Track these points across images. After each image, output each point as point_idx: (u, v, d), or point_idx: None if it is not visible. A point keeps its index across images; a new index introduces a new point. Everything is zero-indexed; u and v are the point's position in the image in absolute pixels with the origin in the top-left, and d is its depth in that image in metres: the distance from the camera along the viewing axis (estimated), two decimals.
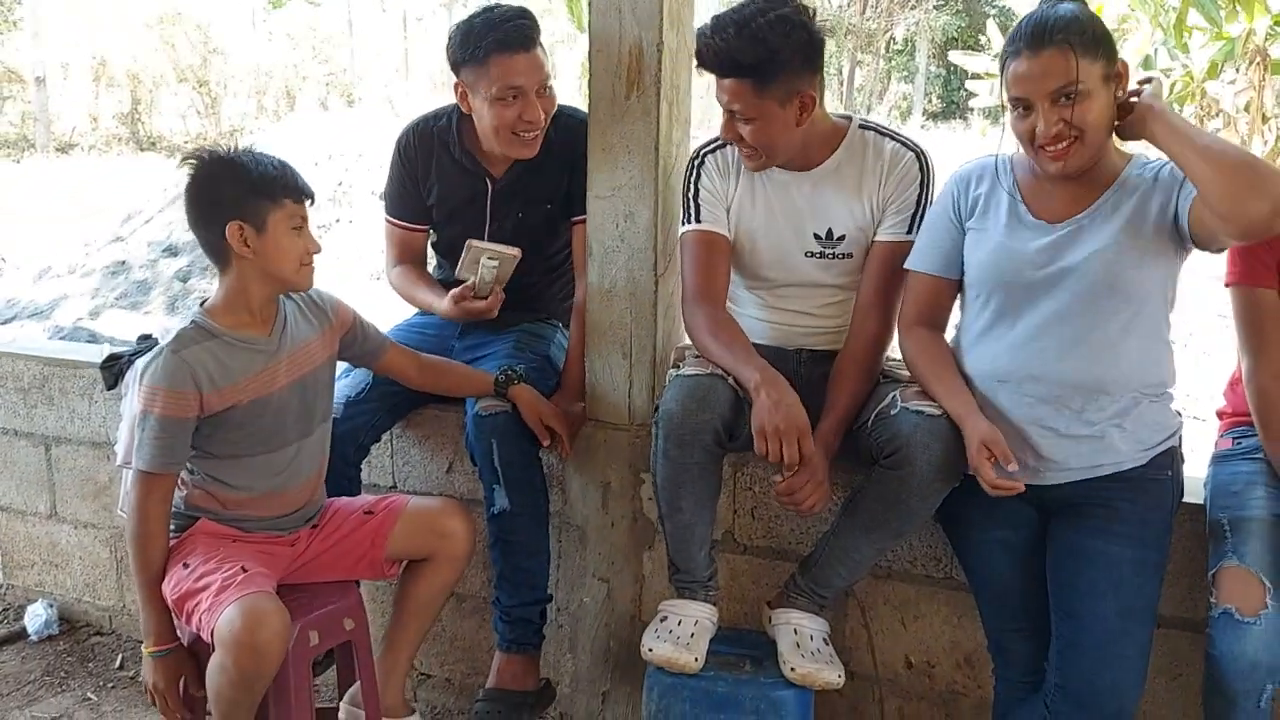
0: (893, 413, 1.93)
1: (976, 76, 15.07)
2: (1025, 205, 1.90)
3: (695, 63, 2.11)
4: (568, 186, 2.41)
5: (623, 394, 2.37)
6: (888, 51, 29.21)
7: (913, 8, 28.15)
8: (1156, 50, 11.60)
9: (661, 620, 2.12)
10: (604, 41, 2.24)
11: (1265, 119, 12.48)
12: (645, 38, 2.21)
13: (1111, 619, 1.79)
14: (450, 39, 2.34)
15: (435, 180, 2.52)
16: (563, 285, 2.58)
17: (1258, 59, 12.34)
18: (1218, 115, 12.90)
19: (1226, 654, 1.71)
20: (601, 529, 2.44)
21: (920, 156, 2.13)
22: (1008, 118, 1.87)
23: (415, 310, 2.67)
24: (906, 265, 2.05)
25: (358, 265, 7.84)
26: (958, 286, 2.01)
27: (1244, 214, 1.63)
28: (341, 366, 2.31)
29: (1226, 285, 1.91)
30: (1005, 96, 1.83)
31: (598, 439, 2.40)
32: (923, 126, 21.23)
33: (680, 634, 2.07)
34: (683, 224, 2.21)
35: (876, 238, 2.14)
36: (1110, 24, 11.48)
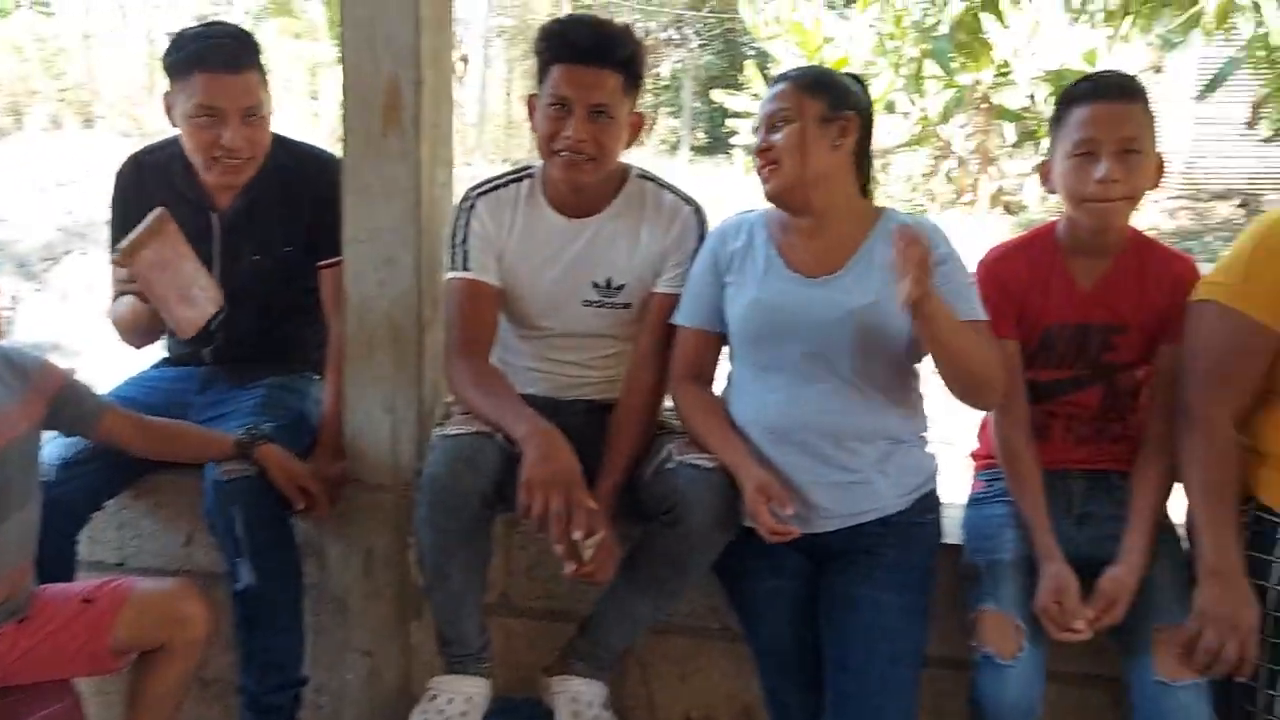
0: (668, 467, 1.89)
1: (737, 114, 15.74)
2: (782, 259, 1.92)
3: (551, 53, 1.98)
4: (310, 228, 2.23)
5: (386, 451, 2.21)
6: (655, 88, 30.15)
7: (677, 46, 29.20)
8: (898, 95, 12.59)
9: (431, 699, 1.97)
10: (357, 77, 2.09)
11: (992, 160, 13.73)
12: (403, 75, 2.08)
13: (882, 665, 1.81)
14: (166, 48, 2.15)
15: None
16: (317, 333, 2.37)
17: (984, 105, 13.59)
18: (951, 156, 14.10)
19: (988, 696, 1.77)
20: (364, 599, 2.26)
21: (698, 211, 2.12)
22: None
23: (152, 363, 2.40)
24: (673, 320, 2.02)
25: (89, 300, 7.15)
26: (723, 339, 2.00)
27: (965, 401, 1.86)
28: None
29: None
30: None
31: (359, 501, 2.22)
32: (690, 160, 21.97)
33: (450, 713, 1.94)
34: (449, 270, 2.08)
35: (655, 289, 2.09)
36: (856, 69, 12.28)
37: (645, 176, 2.13)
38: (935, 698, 2.09)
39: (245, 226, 2.25)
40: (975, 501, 2.04)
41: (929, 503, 1.94)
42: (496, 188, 2.10)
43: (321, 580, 2.27)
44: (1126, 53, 13.54)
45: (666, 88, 30.31)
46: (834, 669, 1.86)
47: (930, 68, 6.56)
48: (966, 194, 13.49)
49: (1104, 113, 1.85)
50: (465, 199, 2.10)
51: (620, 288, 2.09)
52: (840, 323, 1.84)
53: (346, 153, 2.13)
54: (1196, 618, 1.71)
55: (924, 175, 14.12)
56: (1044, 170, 1.97)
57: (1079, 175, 1.86)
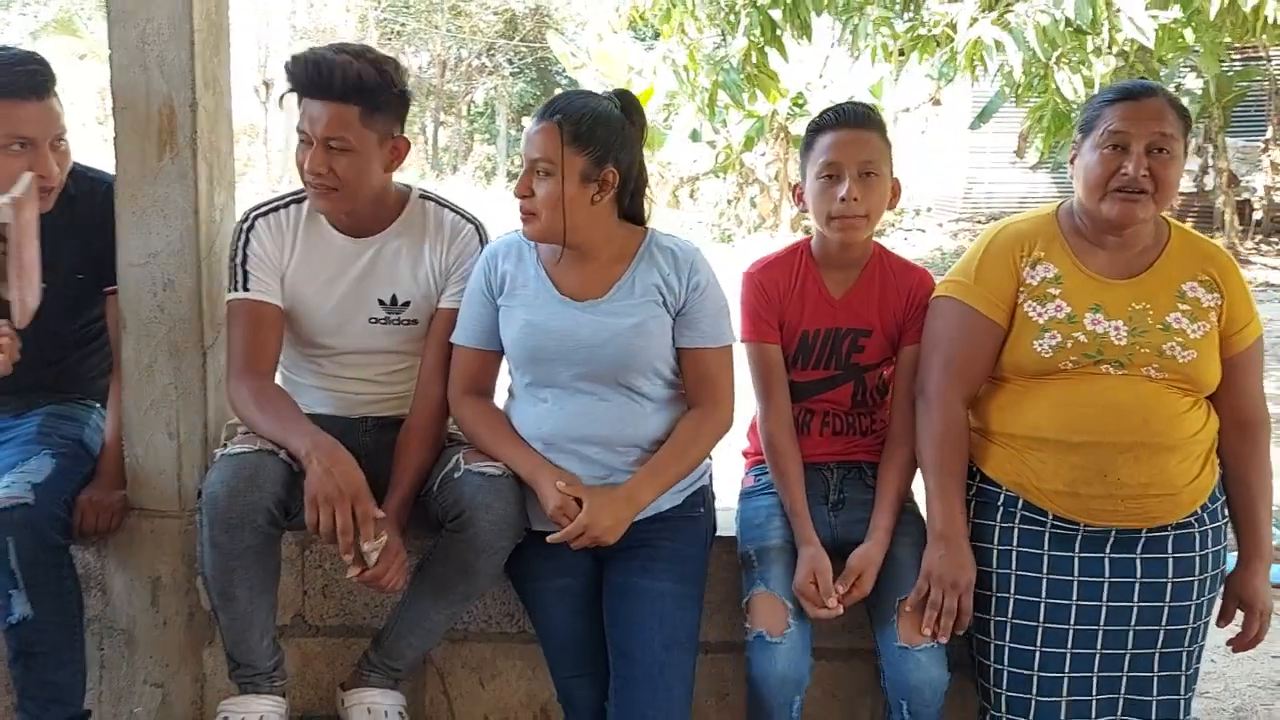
0: (456, 475, 1.96)
1: None
2: (552, 283, 2.02)
3: (289, 85, 2.00)
4: (97, 253, 2.18)
5: (171, 478, 2.18)
6: (469, 114, 30.03)
7: (490, 73, 29.22)
8: (702, 124, 13.07)
9: None
10: (130, 99, 2.08)
11: (792, 187, 14.43)
12: (177, 97, 2.08)
13: (658, 651, 1.93)
14: None
15: None
16: (98, 361, 2.31)
17: (781, 134, 14.28)
18: (754, 183, 14.74)
19: (760, 673, 1.92)
20: (152, 629, 2.22)
21: (479, 229, 2.20)
22: None
23: None
24: (451, 339, 2.09)
25: None
26: (500, 355, 2.09)
27: None
28: None
29: (741, 341, 2.16)
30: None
31: (143, 529, 2.19)
32: (507, 186, 22.03)
33: None
34: (229, 291, 2.09)
35: (440, 305, 2.15)
36: (661, 101, 12.66)
37: (426, 196, 2.20)
38: (718, 681, 2.24)
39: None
40: (746, 495, 2.20)
41: (699, 498, 2.09)
42: (276, 208, 2.12)
43: (105, 612, 2.21)
44: (908, 86, 14.58)
45: (480, 114, 30.30)
46: (615, 655, 1.97)
47: (723, 99, 6.84)
48: (769, 219, 14.15)
49: (846, 139, 2.06)
50: (244, 219, 2.11)
51: (406, 304, 2.14)
52: (607, 343, 1.97)
53: (121, 176, 2.10)
54: (924, 576, 1.93)
55: (729, 201, 14.73)
56: (797, 191, 2.16)
57: (825, 195, 2.06)
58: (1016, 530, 1.94)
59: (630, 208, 2.07)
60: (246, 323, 2.06)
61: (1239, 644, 2.03)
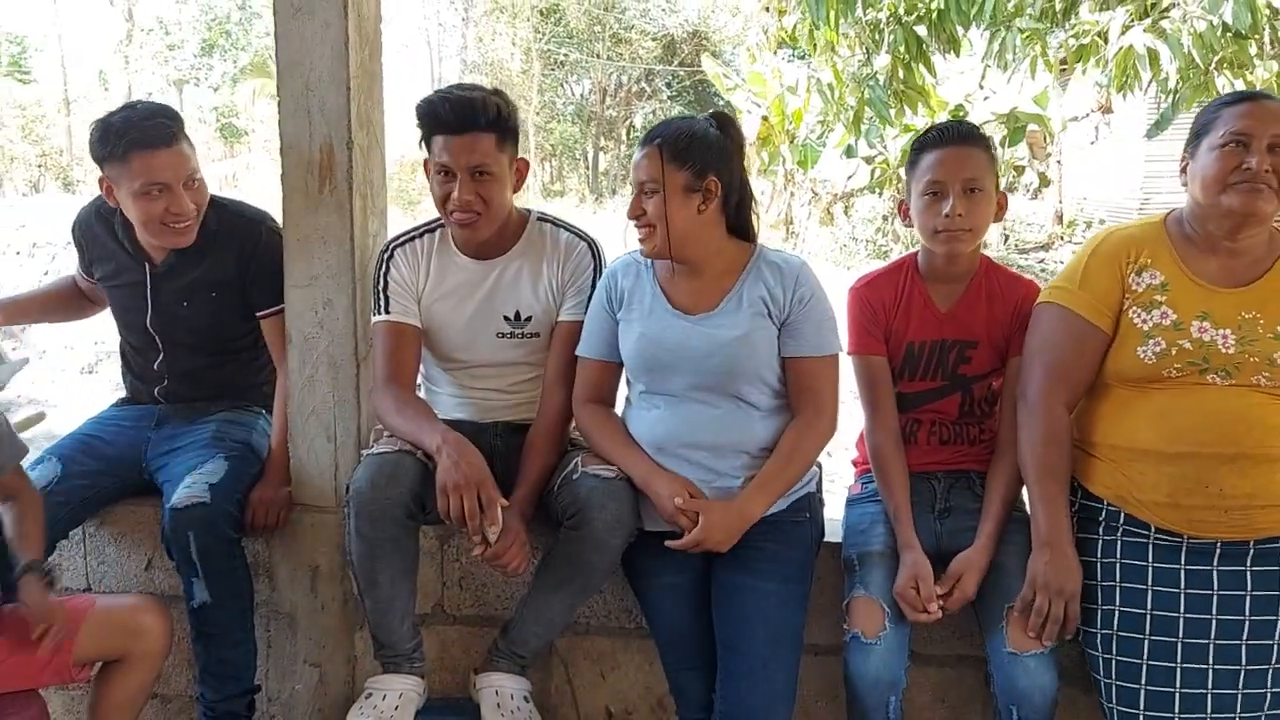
0: (574, 478, 2.11)
1: None
2: (665, 297, 2.16)
3: (432, 126, 2.18)
4: (237, 278, 2.46)
5: (329, 477, 2.43)
6: (629, 138, 30.65)
7: (649, 98, 29.76)
8: (858, 140, 12.98)
9: (366, 697, 2.17)
10: (294, 140, 2.34)
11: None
12: (335, 136, 2.33)
13: (762, 646, 2.03)
14: (91, 135, 2.36)
15: (99, 260, 2.55)
16: (258, 371, 2.60)
17: None
18: None
19: (856, 673, 1.99)
20: (311, 613, 2.46)
21: (592, 246, 2.36)
22: None
23: (113, 402, 2.64)
24: (576, 351, 2.25)
25: (68, 357, 7.34)
26: (620, 366, 2.23)
27: None
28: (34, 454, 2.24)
29: (848, 354, 2.24)
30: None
31: (305, 523, 2.44)
32: None
33: (384, 709, 2.13)
34: (374, 314, 2.32)
35: (559, 318, 2.33)
36: (815, 117, 12.63)
37: (544, 219, 2.38)
38: (827, 682, 2.31)
39: (175, 276, 2.47)
40: (852, 502, 2.27)
41: (805, 503, 2.17)
42: (412, 238, 2.35)
43: (272, 597, 2.48)
44: (1076, 93, 14.03)
45: (639, 139, 30.82)
46: (722, 650, 2.07)
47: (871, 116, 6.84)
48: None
49: (949, 157, 2.12)
50: (385, 250, 2.34)
51: (528, 319, 2.33)
52: (714, 354, 2.09)
53: (287, 208, 2.37)
54: (1030, 584, 1.95)
55: (884, 218, 14.53)
56: (902, 209, 2.22)
57: (929, 212, 2.12)
58: (1120, 543, 1.93)
59: (738, 222, 2.18)
60: (388, 341, 2.28)
61: None
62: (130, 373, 2.61)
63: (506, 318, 2.33)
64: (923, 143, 2.17)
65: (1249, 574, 1.86)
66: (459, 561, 2.44)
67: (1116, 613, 1.93)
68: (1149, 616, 1.90)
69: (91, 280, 2.61)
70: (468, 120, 2.17)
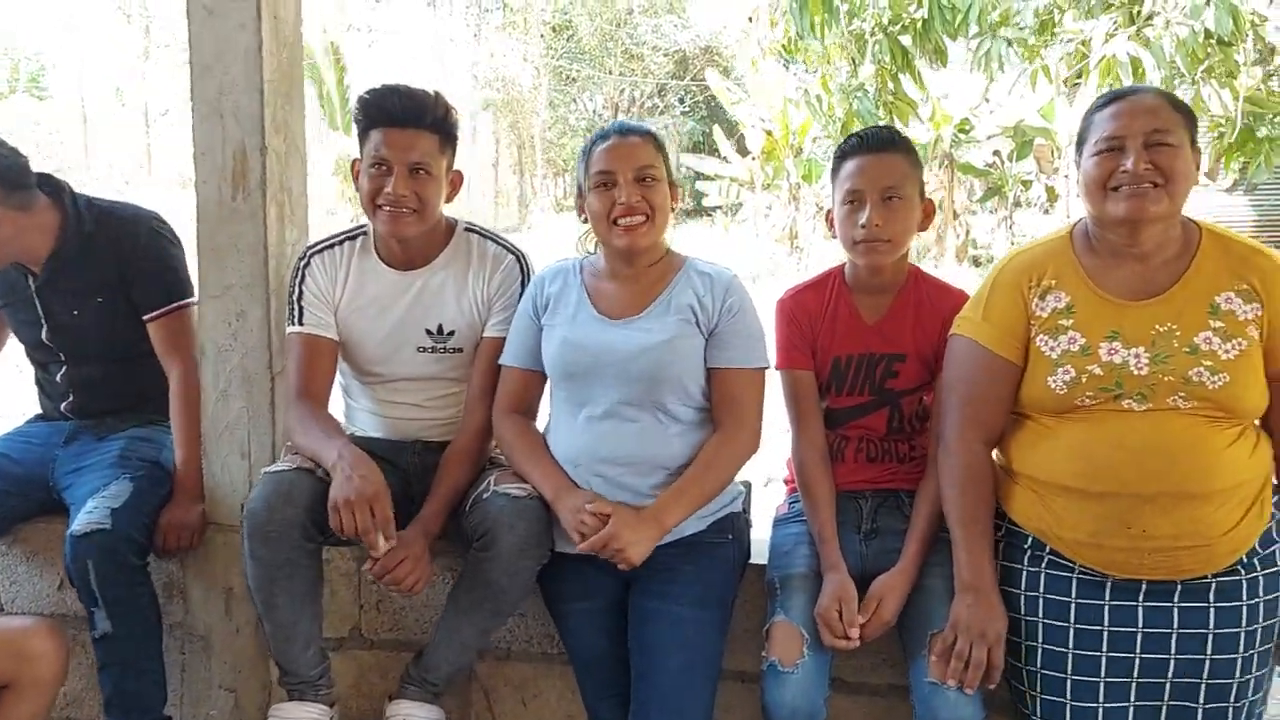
0: (485, 496, 2.03)
1: (705, 177, 16.06)
2: (590, 303, 2.08)
3: (372, 118, 2.12)
4: (119, 281, 2.37)
5: (243, 495, 2.33)
6: None
7: (662, 113, 29.78)
8: None
9: None
10: (208, 145, 2.28)
11: (955, 215, 13.99)
12: (249, 142, 2.27)
13: (675, 674, 1.93)
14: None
15: None
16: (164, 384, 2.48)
17: (946, 162, 13.89)
18: None
19: (772, 703, 1.88)
20: (226, 636, 2.38)
21: (520, 259, 2.28)
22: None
23: (28, 418, 2.56)
24: (500, 360, 2.16)
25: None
26: (544, 377, 2.14)
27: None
28: None
29: (776, 369, 2.14)
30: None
31: (218, 543, 2.36)
32: (674, 224, 22.35)
33: None
34: (288, 325, 2.24)
35: (484, 334, 2.24)
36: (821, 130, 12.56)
37: (471, 229, 2.30)
38: (752, 709, 2.18)
39: (56, 287, 2.39)
40: (778, 522, 2.17)
41: (726, 524, 2.07)
42: (331, 246, 2.27)
43: (186, 619, 2.40)
44: (1083, 108, 13.88)
45: None
46: (636, 679, 1.97)
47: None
48: (933, 249, 13.76)
49: (868, 165, 2.02)
50: (301, 257, 2.26)
51: (451, 334, 2.24)
52: (637, 357, 1.99)
53: (200, 215, 2.30)
54: (951, 626, 1.83)
55: None
56: (828, 218, 2.13)
57: (849, 222, 2.03)
58: (1043, 575, 1.82)
59: None
60: (301, 354, 2.20)
61: None
62: (40, 389, 2.55)
63: (428, 331, 2.25)
64: (844, 150, 2.08)
65: (1175, 611, 1.74)
66: (376, 584, 2.32)
67: (1040, 650, 1.82)
68: (1071, 655, 1.79)
69: None
70: (414, 116, 2.12)
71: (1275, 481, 1.81)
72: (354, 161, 2.19)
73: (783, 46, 6.94)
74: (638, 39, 28.33)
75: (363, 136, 2.15)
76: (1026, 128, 13.59)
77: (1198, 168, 1.80)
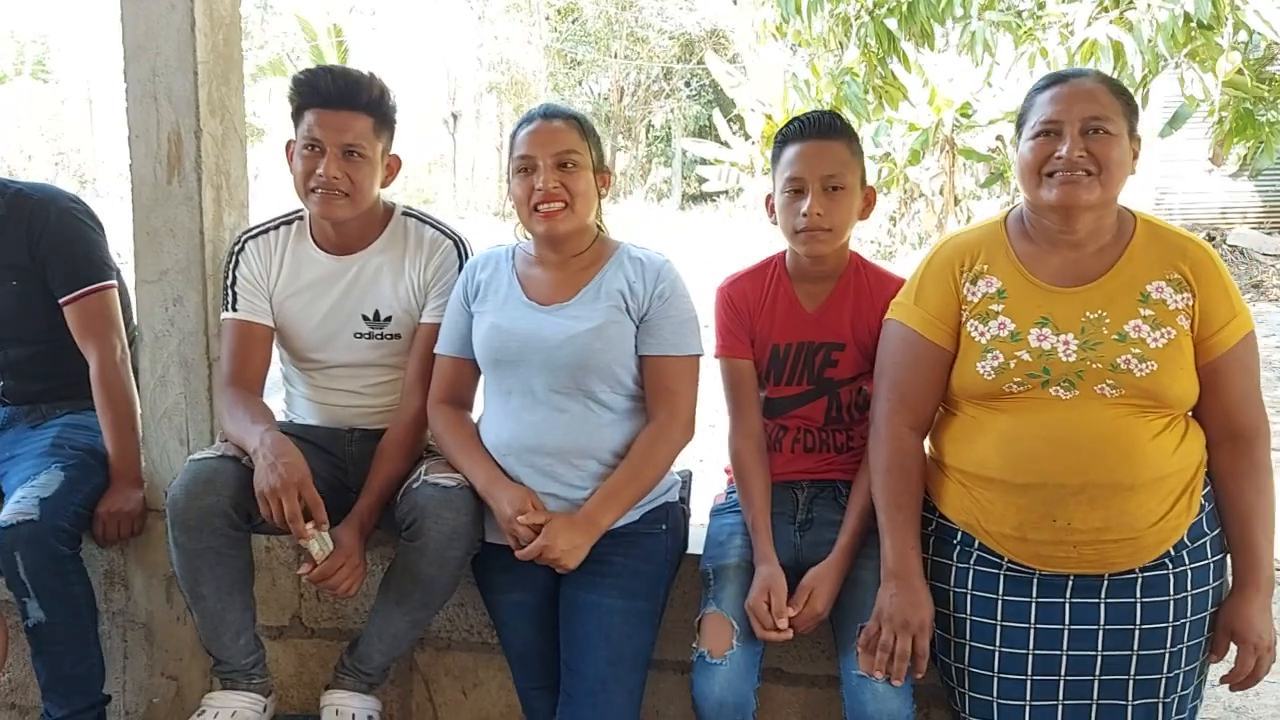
0: (415, 485, 2.00)
1: (705, 162, 15.96)
2: (521, 289, 2.04)
3: (305, 98, 2.10)
4: (31, 263, 2.33)
5: None
6: (648, 137, 30.54)
7: (668, 96, 29.63)
8: (862, 139, 12.78)
9: (199, 715, 2.06)
10: (142, 128, 2.25)
11: (957, 200, 13.89)
12: (183, 125, 2.23)
13: (602, 667, 1.90)
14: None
15: None
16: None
17: (948, 147, 13.77)
18: (920, 198, 14.28)
19: (700, 694, 1.85)
20: (167, 624, 2.37)
21: (458, 244, 2.24)
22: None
23: None
24: (434, 350, 2.13)
25: None
26: (478, 366, 2.10)
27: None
28: None
29: (715, 357, 2.10)
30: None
31: (159, 530, 2.33)
32: (681, 208, 22.32)
33: None
34: (222, 310, 2.21)
35: (421, 320, 2.21)
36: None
37: (409, 213, 2.26)
38: (687, 702, 2.16)
39: None
40: (714, 512, 2.14)
41: (660, 514, 2.04)
42: (267, 230, 2.23)
43: (127, 607, 2.38)
44: None
45: (658, 138, 30.79)
46: (564, 671, 1.95)
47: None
48: (933, 234, 13.66)
49: (808, 151, 1.98)
50: (236, 242, 2.23)
51: (388, 319, 2.21)
52: (564, 345, 1.96)
53: (135, 199, 2.27)
54: (875, 617, 1.80)
55: (891, 218, 14.32)
56: (769, 204, 2.08)
57: (789, 210, 1.99)
58: (972, 572, 1.79)
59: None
60: (234, 340, 2.18)
61: (1233, 681, 1.79)
62: None
63: (365, 317, 2.22)
64: (785, 135, 2.04)
65: (1102, 607, 1.71)
66: None
67: (968, 647, 1.79)
68: (998, 653, 1.75)
69: None
70: (348, 96, 2.09)
71: (1207, 473, 1.78)
72: (289, 143, 2.16)
73: (775, 29, 6.87)
74: (643, 22, 28.15)
75: (296, 117, 2.12)
76: None
77: (1136, 156, 1.78)
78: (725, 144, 15.08)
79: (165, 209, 2.25)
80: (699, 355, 2.04)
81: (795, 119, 2.04)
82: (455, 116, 25.80)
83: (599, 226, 2.11)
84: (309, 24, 22.21)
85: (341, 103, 2.08)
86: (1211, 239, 14.14)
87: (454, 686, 2.30)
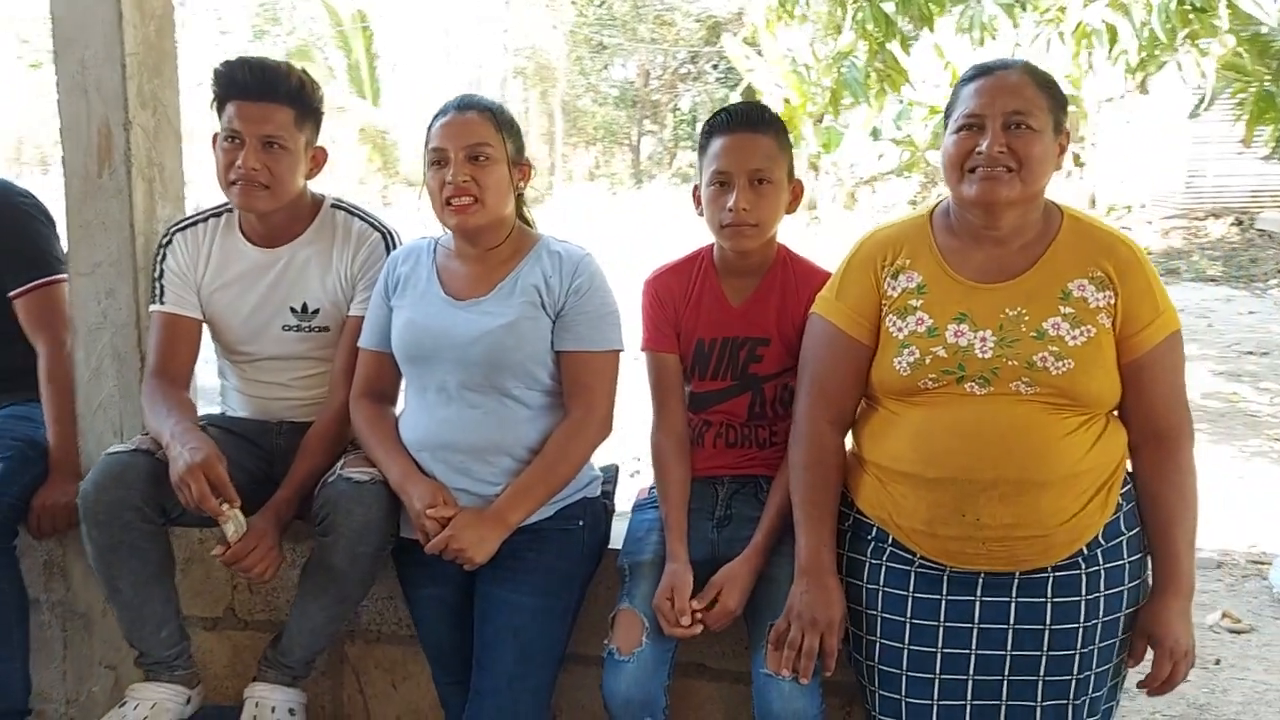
0: (330, 480, 1.99)
1: None
2: (439, 283, 2.02)
3: (224, 89, 2.09)
4: None
5: None
6: (675, 120, 30.38)
7: (695, 80, 29.46)
8: (881, 121, 12.60)
9: (120, 705, 2.07)
10: (72, 121, 2.25)
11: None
12: (112, 117, 2.23)
13: (509, 664, 1.89)
14: None
15: None
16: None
17: None
18: (939, 182, 14.08)
19: (608, 691, 1.84)
20: (105, 614, 2.37)
21: (386, 236, 2.22)
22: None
23: None
24: (358, 344, 2.12)
25: None
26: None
27: None
28: None
29: (641, 350, 2.07)
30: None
31: None
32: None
33: (134, 718, 2.03)
34: (150, 303, 2.21)
35: (349, 312, 2.19)
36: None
37: (339, 206, 2.25)
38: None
39: None
40: (636, 507, 2.11)
41: (578, 510, 2.01)
42: (195, 223, 2.23)
43: (66, 597, 2.39)
44: (1107, 74, 13.50)
45: (684, 121, 30.63)
46: (475, 667, 1.94)
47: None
48: None
49: (735, 144, 1.93)
50: (164, 234, 2.22)
51: (316, 312, 2.20)
52: (477, 341, 1.94)
53: (68, 192, 2.27)
54: (785, 613, 1.77)
55: (911, 203, 14.16)
56: (696, 196, 2.04)
57: (715, 204, 1.94)
58: (884, 568, 1.75)
59: (518, 208, 2.07)
60: (160, 332, 2.18)
61: (1149, 686, 1.74)
62: None
63: (293, 309, 2.21)
64: (711, 126, 2.00)
65: (1012, 606, 1.67)
66: None
67: (878, 644, 1.75)
68: (907, 651, 1.72)
69: None
70: (266, 88, 2.07)
71: (1129, 473, 1.73)
72: (214, 135, 2.15)
73: (786, 9, 6.77)
74: (669, 4, 27.96)
75: (219, 109, 2.10)
76: None
77: (1063, 151, 1.73)
78: None
79: (96, 202, 2.25)
80: (618, 351, 2.01)
81: (723, 110, 2.00)
82: None
83: (527, 221, 2.08)
84: (335, 9, 22.28)
85: (261, 94, 2.06)
86: (1240, 222, 13.85)
87: (384, 679, 2.30)
